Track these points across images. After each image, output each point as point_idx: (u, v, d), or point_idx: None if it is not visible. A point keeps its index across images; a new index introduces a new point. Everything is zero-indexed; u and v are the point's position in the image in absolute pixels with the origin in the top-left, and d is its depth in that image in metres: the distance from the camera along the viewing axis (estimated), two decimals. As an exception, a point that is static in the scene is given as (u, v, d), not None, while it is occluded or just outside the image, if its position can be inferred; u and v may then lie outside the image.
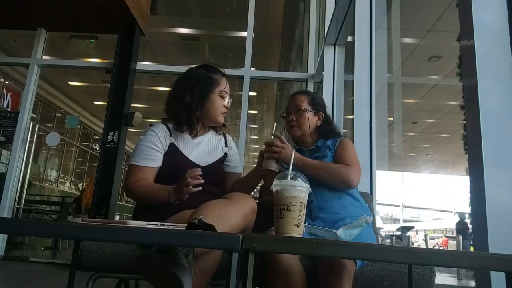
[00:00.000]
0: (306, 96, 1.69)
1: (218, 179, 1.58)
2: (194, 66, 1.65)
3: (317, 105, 1.68)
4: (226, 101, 1.60)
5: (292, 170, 1.09)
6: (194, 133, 1.56)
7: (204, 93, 1.54)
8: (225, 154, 1.64)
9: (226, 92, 1.60)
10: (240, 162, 1.69)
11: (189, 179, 1.29)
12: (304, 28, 5.82)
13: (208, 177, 1.51)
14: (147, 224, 0.97)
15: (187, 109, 1.53)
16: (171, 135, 1.54)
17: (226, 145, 1.67)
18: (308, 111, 1.65)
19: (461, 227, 8.92)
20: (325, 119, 1.69)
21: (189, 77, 1.58)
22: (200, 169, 1.31)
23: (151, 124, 1.57)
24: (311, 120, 1.65)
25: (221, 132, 1.69)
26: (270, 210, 1.04)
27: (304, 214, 1.01)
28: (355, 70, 2.73)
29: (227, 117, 1.65)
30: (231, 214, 1.21)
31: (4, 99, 7.51)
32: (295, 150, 1.74)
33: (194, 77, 1.57)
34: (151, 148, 1.49)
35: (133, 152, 1.51)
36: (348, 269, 1.20)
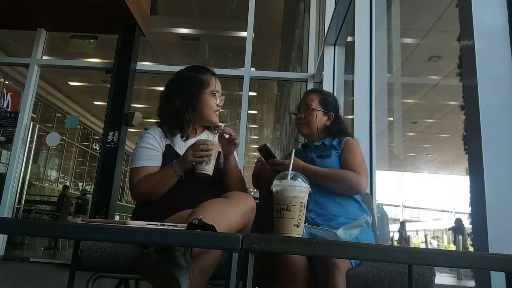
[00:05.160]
0: (318, 95, 1.71)
1: (215, 179, 1.58)
2: (182, 68, 1.64)
3: (328, 105, 1.70)
4: (218, 100, 1.59)
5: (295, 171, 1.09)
6: (185, 136, 1.55)
7: (194, 96, 1.54)
8: (219, 153, 1.64)
9: (218, 91, 1.59)
10: (236, 161, 1.68)
11: (200, 146, 1.34)
12: (304, 28, 5.82)
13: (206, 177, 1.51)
14: (147, 224, 0.97)
15: (178, 113, 1.52)
16: (166, 137, 1.54)
17: None
18: (317, 110, 1.67)
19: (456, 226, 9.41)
20: (334, 119, 1.70)
21: (178, 80, 1.58)
22: (209, 140, 1.37)
23: (146, 128, 1.57)
24: (319, 119, 1.67)
25: (216, 131, 1.67)
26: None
27: (304, 214, 1.01)
28: (355, 70, 2.73)
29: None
30: (230, 213, 1.21)
31: (4, 99, 7.50)
32: (302, 145, 1.75)
33: (184, 80, 1.56)
34: (150, 148, 1.49)
35: (132, 157, 1.50)
36: (339, 267, 1.21)
